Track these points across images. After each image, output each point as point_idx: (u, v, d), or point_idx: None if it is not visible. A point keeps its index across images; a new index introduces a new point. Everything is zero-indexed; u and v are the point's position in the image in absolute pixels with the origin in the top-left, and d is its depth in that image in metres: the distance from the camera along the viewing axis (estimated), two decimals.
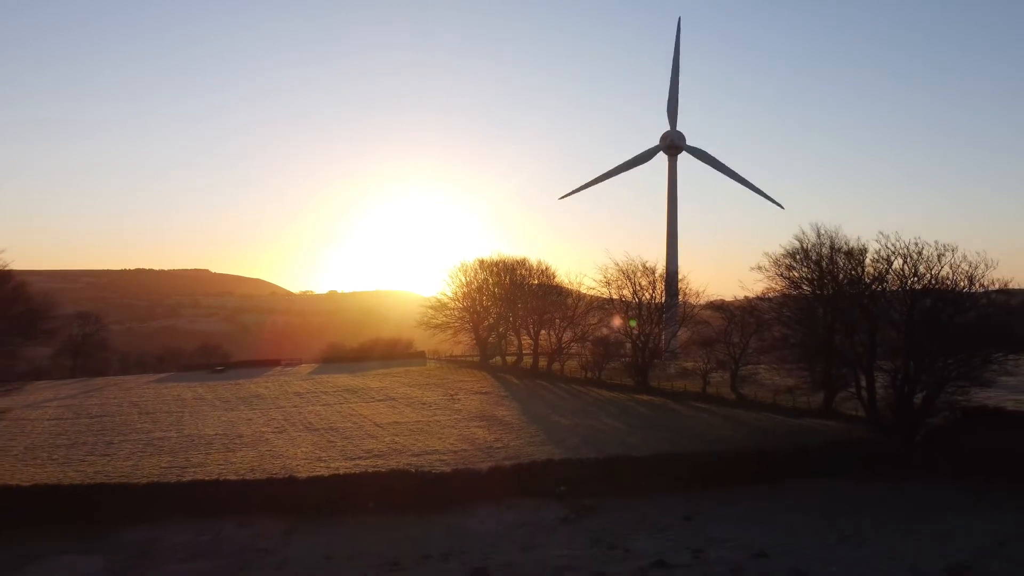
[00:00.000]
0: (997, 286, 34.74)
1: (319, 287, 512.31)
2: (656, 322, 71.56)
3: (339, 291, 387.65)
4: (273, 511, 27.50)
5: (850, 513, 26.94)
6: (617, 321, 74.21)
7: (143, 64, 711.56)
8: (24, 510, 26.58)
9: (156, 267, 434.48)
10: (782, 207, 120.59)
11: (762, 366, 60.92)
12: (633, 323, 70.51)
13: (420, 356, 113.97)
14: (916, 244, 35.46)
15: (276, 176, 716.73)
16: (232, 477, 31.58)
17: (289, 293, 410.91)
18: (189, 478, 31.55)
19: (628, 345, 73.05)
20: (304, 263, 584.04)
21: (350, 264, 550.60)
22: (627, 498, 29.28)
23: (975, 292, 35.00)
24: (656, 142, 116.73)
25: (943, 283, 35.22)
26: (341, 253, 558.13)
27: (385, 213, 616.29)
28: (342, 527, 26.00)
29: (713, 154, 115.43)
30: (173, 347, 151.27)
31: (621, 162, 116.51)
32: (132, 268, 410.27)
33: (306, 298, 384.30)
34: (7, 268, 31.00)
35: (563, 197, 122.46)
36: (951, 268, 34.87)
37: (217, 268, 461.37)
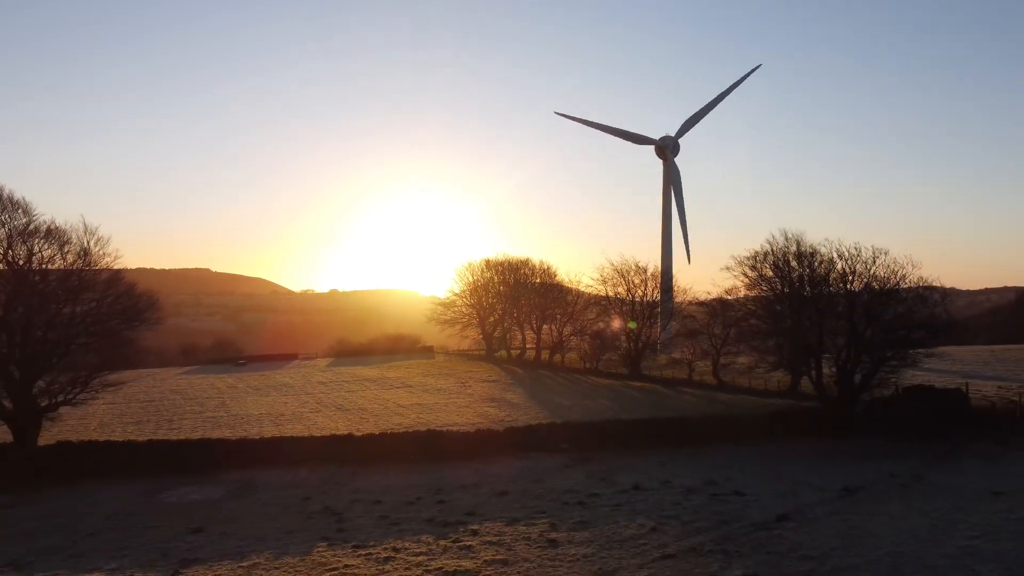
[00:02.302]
0: (921, 284, 42.25)
1: (320, 286, 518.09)
2: (647, 316, 79.12)
3: (340, 290, 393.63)
4: (336, 461, 34.94)
5: (790, 460, 34.36)
6: (617, 323, 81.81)
7: (143, 64, 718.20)
8: (144, 459, 34.01)
9: (157, 267, 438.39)
10: (759, 65, 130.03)
11: (741, 356, 68.34)
12: (633, 324, 78.03)
13: (429, 350, 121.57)
14: (855, 248, 43.06)
15: (276, 176, 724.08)
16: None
17: (290, 292, 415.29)
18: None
19: (623, 338, 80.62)
20: (305, 262, 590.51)
21: (351, 263, 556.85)
22: (616, 452, 36.71)
23: (902, 288, 42.46)
24: (655, 137, 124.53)
25: (878, 281, 42.71)
26: (342, 252, 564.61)
27: (385, 212, 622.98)
28: (393, 471, 33.34)
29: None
30: (187, 344, 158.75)
31: (622, 130, 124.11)
32: (133, 268, 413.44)
33: (307, 297, 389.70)
34: (122, 268, 38.39)
35: (559, 113, 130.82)
36: (884, 268, 42.40)
37: (218, 267, 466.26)
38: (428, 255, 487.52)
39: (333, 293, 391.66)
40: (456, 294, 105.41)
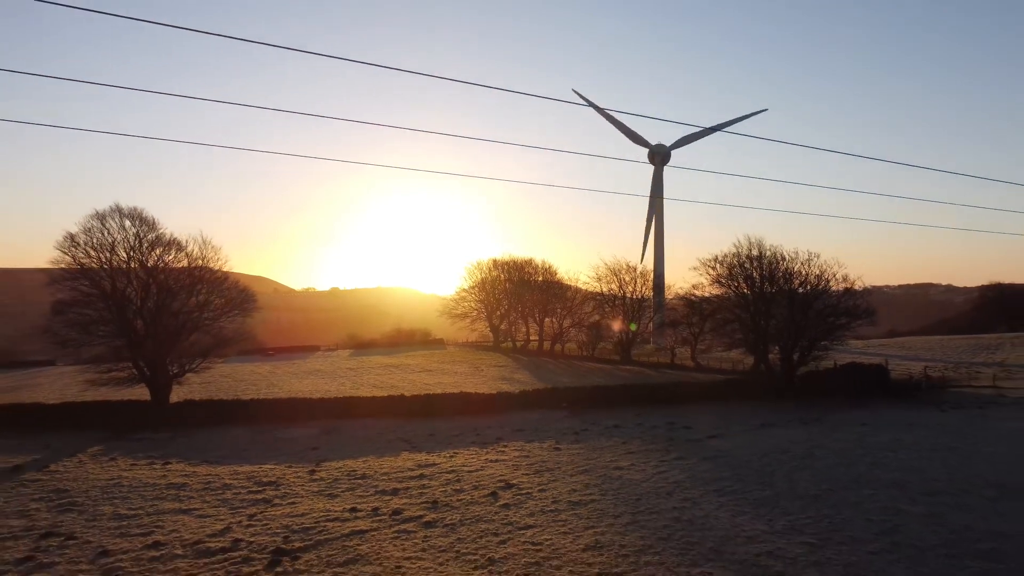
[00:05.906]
0: (844, 283, 53.76)
1: (321, 284, 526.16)
2: (637, 310, 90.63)
3: (341, 288, 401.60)
4: (392, 415, 46.26)
5: (734, 412, 45.63)
6: (617, 324, 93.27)
7: (143, 62, 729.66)
8: (248, 412, 45.29)
9: None
10: (766, 109, 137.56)
11: (716, 344, 79.77)
12: (633, 326, 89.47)
13: (439, 342, 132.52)
14: (794, 252, 54.45)
15: (277, 174, 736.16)
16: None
17: (291, 290, 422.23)
18: None
19: (616, 328, 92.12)
20: (305, 261, 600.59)
21: (351, 261, 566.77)
22: (603, 409, 47.98)
23: (832, 287, 53.82)
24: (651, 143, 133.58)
25: (813, 279, 54.09)
26: (342, 251, 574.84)
27: (385, 211, 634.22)
28: (436, 421, 44.61)
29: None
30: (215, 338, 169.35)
31: (626, 126, 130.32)
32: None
33: (309, 295, 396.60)
34: (228, 270, 49.71)
35: (576, 91, 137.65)
36: (817, 268, 53.77)
37: (218, 266, 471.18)
38: (428, 253, 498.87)
39: (334, 291, 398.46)
40: (466, 290, 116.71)
